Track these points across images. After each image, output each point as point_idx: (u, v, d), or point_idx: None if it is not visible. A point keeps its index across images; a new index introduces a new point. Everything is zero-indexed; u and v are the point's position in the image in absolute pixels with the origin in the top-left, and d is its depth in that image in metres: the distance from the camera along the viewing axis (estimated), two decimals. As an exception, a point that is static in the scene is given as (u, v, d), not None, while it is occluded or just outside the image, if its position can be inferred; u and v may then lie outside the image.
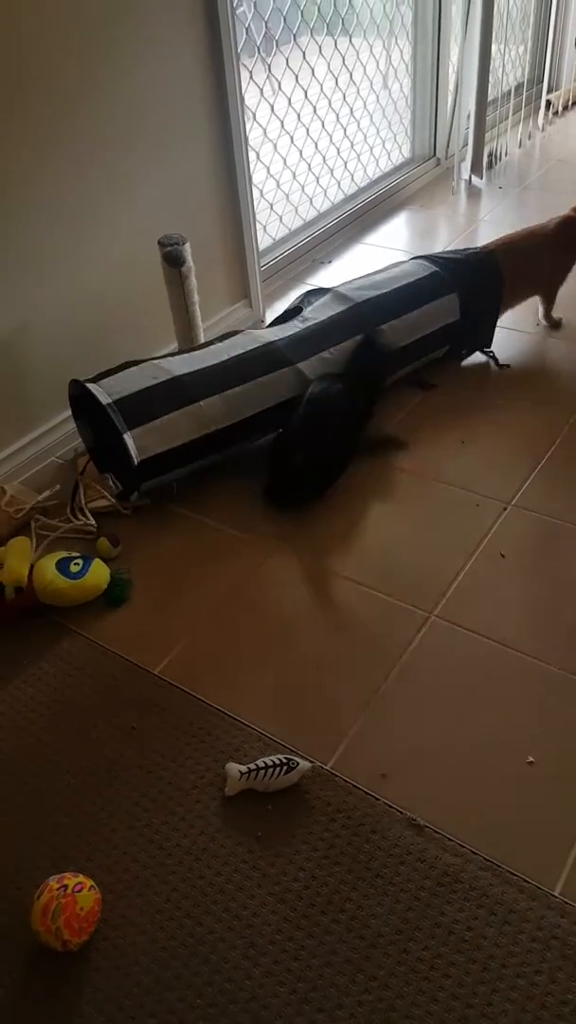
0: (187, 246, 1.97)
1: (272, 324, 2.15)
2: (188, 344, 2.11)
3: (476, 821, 1.28)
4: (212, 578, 1.73)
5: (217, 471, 1.94)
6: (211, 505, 1.90)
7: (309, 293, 2.15)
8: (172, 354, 1.92)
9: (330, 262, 2.95)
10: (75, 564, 1.63)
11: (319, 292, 2.13)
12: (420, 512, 1.85)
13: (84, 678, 1.54)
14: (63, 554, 1.66)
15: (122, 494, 1.84)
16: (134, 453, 1.72)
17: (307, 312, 2.04)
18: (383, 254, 2.97)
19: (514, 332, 2.44)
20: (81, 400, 1.87)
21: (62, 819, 1.33)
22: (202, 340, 2.15)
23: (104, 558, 1.74)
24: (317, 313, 2.04)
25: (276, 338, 1.95)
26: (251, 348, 1.90)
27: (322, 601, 1.66)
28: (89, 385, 1.76)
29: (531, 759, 1.35)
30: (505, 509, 1.83)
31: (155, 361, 1.84)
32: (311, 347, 1.96)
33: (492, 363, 2.31)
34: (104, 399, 1.73)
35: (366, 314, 2.05)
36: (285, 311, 2.17)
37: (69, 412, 2.03)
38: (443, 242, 2.99)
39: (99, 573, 1.65)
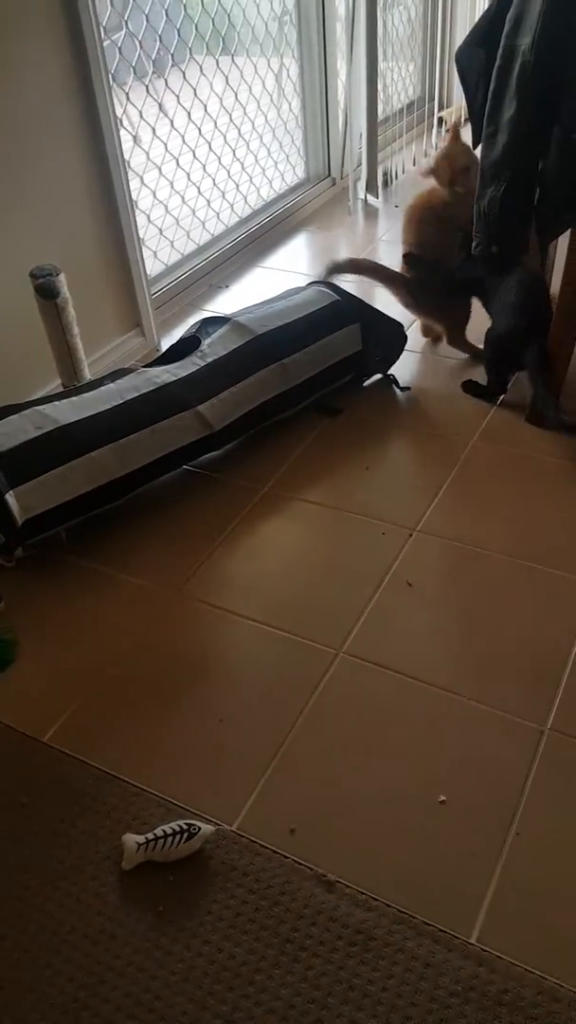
0: (61, 276, 1.88)
1: (166, 355, 2.08)
2: (71, 380, 2.02)
3: (388, 871, 1.22)
4: (105, 630, 1.63)
5: (110, 512, 1.84)
6: (105, 550, 1.80)
7: (206, 322, 2.08)
8: (56, 395, 1.82)
9: (228, 287, 2.89)
10: (-48, 627, 1.52)
11: (217, 321, 2.06)
12: (325, 543, 1.80)
13: (-32, 750, 1.42)
14: None
15: (3, 547, 1.73)
16: (17, 514, 1.61)
17: (205, 345, 1.97)
18: (282, 277, 2.93)
19: (415, 353, 2.42)
20: None
21: (-57, 913, 1.21)
22: (87, 374, 2.05)
23: (-14, 616, 1.63)
24: (216, 347, 1.96)
25: (173, 377, 1.86)
26: (145, 391, 1.81)
27: (223, 646, 1.58)
28: None
29: (443, 798, 1.30)
30: (411, 535, 1.79)
31: (38, 408, 1.73)
32: (211, 386, 1.89)
33: (394, 386, 2.28)
34: None
35: (267, 347, 1.99)
36: (181, 339, 2.09)
37: None
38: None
39: (-20, 635, 1.53)
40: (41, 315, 1.89)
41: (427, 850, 1.24)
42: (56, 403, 1.74)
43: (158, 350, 2.53)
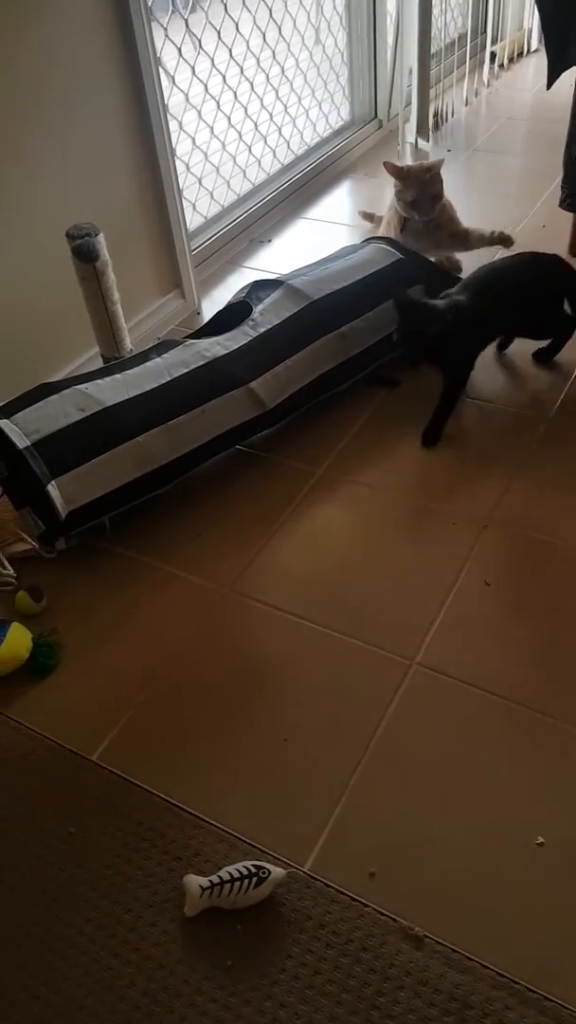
0: (100, 237, 1.69)
1: (213, 322, 1.89)
2: (111, 351, 1.84)
3: (484, 925, 1.09)
4: (155, 631, 1.49)
5: (156, 497, 1.69)
6: (151, 541, 1.66)
7: (256, 285, 1.89)
8: (98, 371, 1.65)
9: (270, 241, 2.68)
10: (-11, 632, 1.38)
11: (268, 284, 1.87)
12: (390, 534, 1.64)
13: (8, 770, 1.30)
14: (-26, 620, 1.41)
15: (45, 536, 1.58)
16: (60, 506, 1.46)
17: (257, 313, 1.78)
18: (327, 230, 2.72)
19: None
20: None
21: (-11, 960, 1.10)
22: (127, 342, 1.88)
23: (25, 615, 1.49)
24: (269, 315, 1.78)
25: (224, 351, 1.68)
26: (195, 366, 1.64)
27: (282, 653, 1.44)
28: (1, 423, 1.48)
29: (541, 839, 1.16)
30: (485, 527, 1.63)
31: (79, 386, 1.56)
32: (264, 359, 1.71)
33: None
34: (21, 442, 1.45)
35: (324, 313, 1.80)
36: (229, 305, 1.91)
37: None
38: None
39: (19, 641, 1.40)
40: (79, 279, 1.71)
41: (525, 901, 1.10)
42: (98, 381, 1.58)
43: (198, 313, 2.35)
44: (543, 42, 1.91)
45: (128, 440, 1.52)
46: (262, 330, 1.75)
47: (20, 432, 1.46)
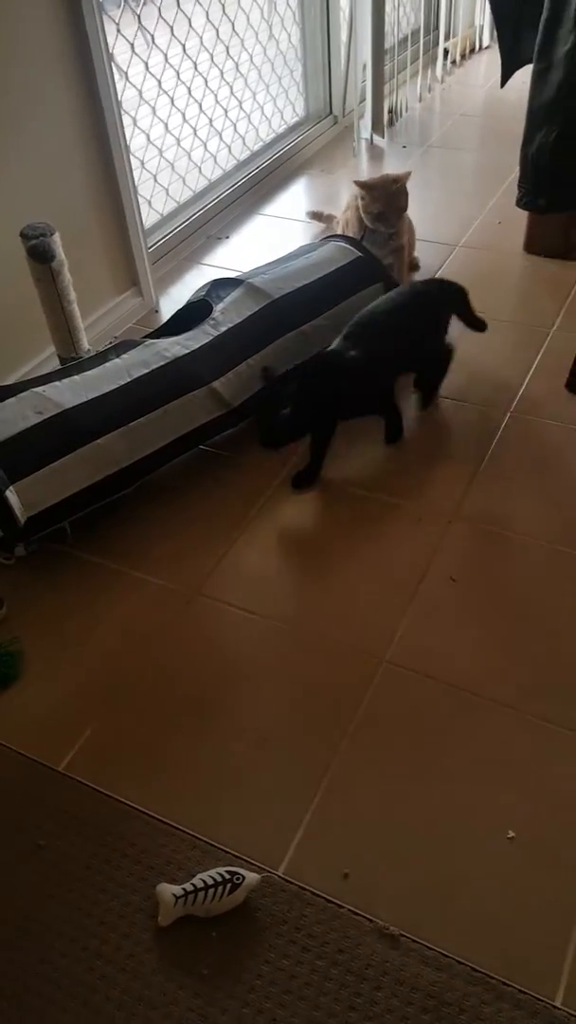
0: (56, 236, 1.66)
1: (172, 321, 1.87)
2: (68, 351, 1.81)
3: (457, 921, 1.09)
4: (119, 638, 1.47)
5: (119, 501, 1.66)
6: (114, 544, 1.63)
7: (216, 284, 1.87)
8: (56, 373, 1.61)
9: (228, 237, 2.66)
10: (-50, 643, 1.35)
11: (228, 283, 1.85)
12: (357, 532, 1.64)
13: (-26, 783, 1.27)
14: None
15: (3, 542, 1.55)
16: (19, 512, 1.43)
17: (218, 312, 1.76)
18: (284, 226, 2.71)
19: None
20: None
21: (-43, 980, 1.07)
22: (84, 342, 1.85)
23: (-13, 623, 1.46)
24: (230, 314, 1.76)
25: (185, 350, 1.66)
26: (156, 366, 1.62)
27: (252, 655, 1.43)
28: None
29: (511, 834, 1.17)
30: (449, 523, 1.63)
31: (36, 389, 1.53)
32: (226, 359, 1.69)
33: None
34: None
35: (286, 312, 1.79)
36: (188, 304, 1.88)
37: None
38: (338, 213, 2.73)
39: (-19, 651, 1.36)
40: (34, 280, 1.68)
41: (499, 896, 1.11)
42: (56, 383, 1.55)
43: (156, 311, 2.32)
44: (495, 39, 1.91)
45: (88, 443, 1.50)
46: (223, 329, 1.73)
47: None
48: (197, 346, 1.68)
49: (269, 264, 1.95)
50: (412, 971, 1.05)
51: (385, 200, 2.09)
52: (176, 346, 1.67)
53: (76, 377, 1.57)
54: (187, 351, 1.67)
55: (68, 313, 1.73)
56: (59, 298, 1.69)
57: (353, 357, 1.67)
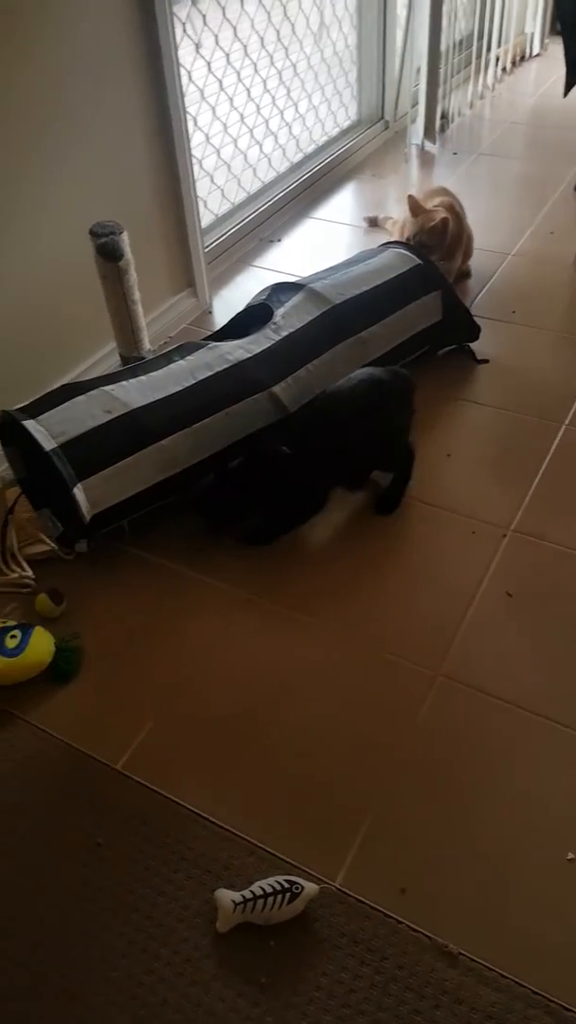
0: (124, 235, 1.66)
1: (233, 323, 1.87)
2: (129, 349, 1.81)
3: (517, 942, 1.09)
4: (178, 638, 1.47)
5: (176, 502, 1.67)
6: (170, 544, 1.64)
7: (277, 288, 1.86)
8: (122, 372, 1.61)
9: (279, 240, 2.66)
10: (12, 637, 1.36)
11: (289, 287, 1.85)
12: (409, 543, 1.63)
13: (32, 778, 1.28)
14: (-3, 623, 1.38)
15: (64, 537, 1.56)
16: (85, 509, 1.43)
17: (279, 316, 1.76)
18: (334, 230, 2.70)
19: (492, 321, 2.21)
20: (10, 426, 1.56)
21: (17, 974, 1.08)
22: (145, 342, 1.85)
23: (44, 619, 1.47)
24: (291, 318, 1.76)
25: (247, 354, 1.66)
26: (219, 369, 1.62)
27: (304, 661, 1.43)
28: (27, 424, 1.45)
29: (571, 855, 1.16)
30: (504, 536, 1.63)
31: (105, 388, 1.54)
32: (287, 364, 1.69)
33: (471, 358, 2.08)
34: (48, 443, 1.43)
35: (345, 318, 1.79)
36: (249, 306, 1.88)
37: (-6, 437, 1.72)
38: (395, 214, 2.72)
39: (41, 646, 1.37)
40: (100, 278, 1.68)
41: (559, 918, 1.11)
42: (124, 383, 1.55)
43: (209, 312, 2.32)
44: (545, 48, 1.90)
45: (153, 443, 1.50)
46: (284, 333, 1.73)
47: (46, 433, 1.43)
48: (259, 350, 1.68)
49: (329, 269, 1.95)
50: (471, 991, 1.05)
51: (418, 227, 2.16)
52: (239, 350, 1.67)
53: (143, 377, 1.58)
54: (249, 355, 1.67)
55: (132, 312, 1.73)
56: (124, 297, 1.69)
57: (286, 455, 1.55)
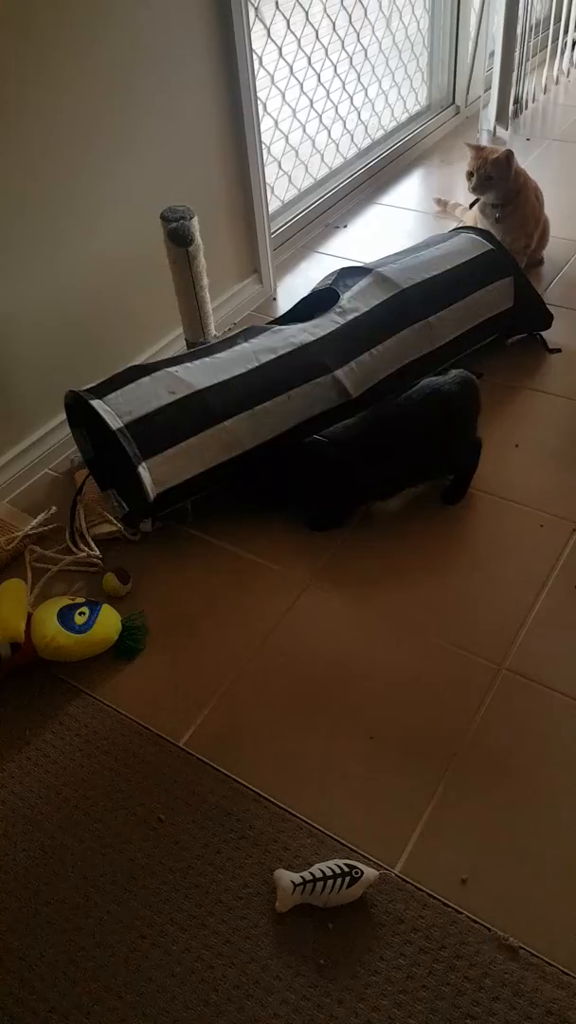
0: (195, 220, 1.67)
1: (299, 307, 1.86)
2: (196, 334, 1.83)
3: (579, 940, 1.07)
4: (240, 619, 1.48)
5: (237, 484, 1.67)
6: (232, 527, 1.65)
7: (344, 272, 1.85)
8: (186, 355, 1.63)
9: (345, 226, 2.64)
10: (80, 614, 1.38)
11: (356, 272, 1.84)
12: (476, 534, 1.61)
13: (98, 752, 1.30)
14: (66, 600, 1.41)
15: (128, 517, 1.58)
16: (150, 488, 1.45)
17: (345, 300, 1.75)
18: (401, 216, 2.67)
19: (564, 309, 2.16)
20: (78, 407, 1.59)
21: (84, 942, 1.10)
22: (212, 328, 1.86)
23: (112, 597, 1.50)
24: (357, 301, 1.75)
25: (311, 337, 1.66)
26: (283, 352, 1.62)
27: (365, 648, 1.42)
28: (95, 403, 1.47)
29: None
30: (574, 530, 1.59)
31: (170, 368, 1.55)
32: (351, 348, 1.68)
33: (542, 346, 2.04)
34: (114, 423, 1.45)
35: (413, 303, 1.77)
36: (315, 291, 1.87)
37: (63, 418, 1.76)
38: (464, 201, 2.67)
39: (109, 623, 1.40)
40: (170, 263, 1.69)
41: (624, 918, 1.09)
42: (188, 364, 1.56)
43: (274, 299, 2.32)
44: None
45: (216, 424, 1.51)
46: (349, 317, 1.72)
47: (113, 413, 1.46)
48: (324, 333, 1.68)
49: (398, 253, 1.93)
50: (531, 985, 1.03)
51: (477, 163, 2.15)
52: (303, 333, 1.67)
53: (207, 359, 1.58)
54: (313, 338, 1.66)
55: (200, 298, 1.74)
56: (192, 282, 1.70)
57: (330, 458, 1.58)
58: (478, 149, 2.16)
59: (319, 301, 1.83)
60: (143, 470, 1.45)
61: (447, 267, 1.86)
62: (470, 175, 2.16)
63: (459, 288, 1.85)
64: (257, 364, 1.61)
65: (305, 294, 1.91)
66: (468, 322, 1.86)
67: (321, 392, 1.65)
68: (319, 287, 1.88)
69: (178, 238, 1.61)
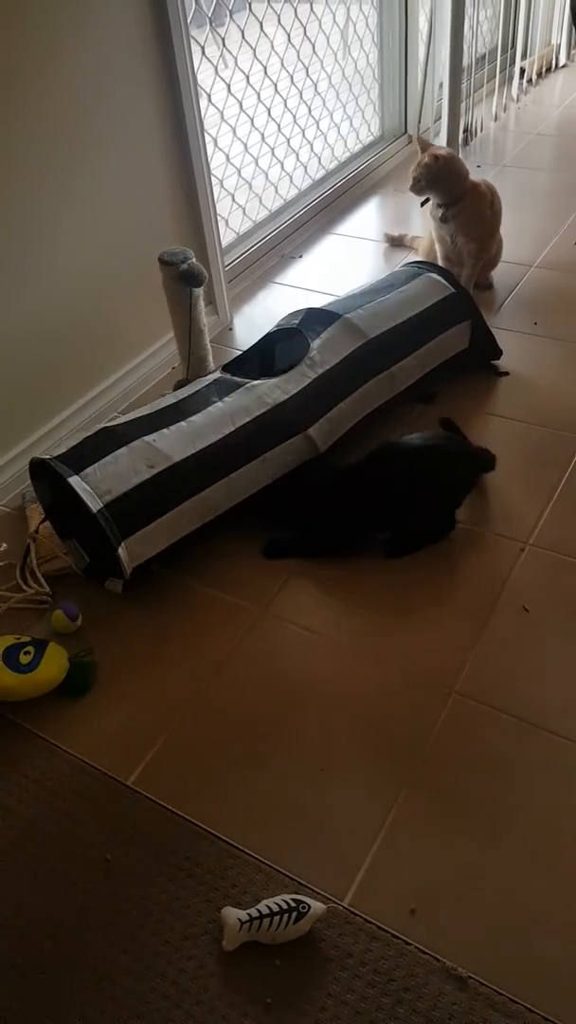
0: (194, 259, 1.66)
1: (262, 342, 1.85)
2: (195, 375, 1.82)
3: (528, 966, 1.06)
4: (191, 652, 1.48)
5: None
6: (185, 560, 1.64)
7: (312, 315, 1.85)
8: (163, 413, 1.61)
9: (301, 257, 2.68)
10: (25, 653, 1.37)
11: (324, 316, 1.84)
12: (424, 556, 1.62)
13: (44, 793, 1.29)
14: (11, 640, 1.40)
15: (91, 571, 1.58)
16: (126, 565, 1.47)
17: (315, 351, 1.75)
18: (356, 245, 2.71)
19: (512, 332, 2.20)
20: (43, 465, 1.56)
21: (27, 987, 1.08)
22: (210, 364, 1.87)
23: (60, 634, 1.49)
24: (326, 353, 1.76)
25: (285, 395, 1.67)
26: (258, 413, 1.63)
27: (322, 679, 1.42)
28: (72, 481, 1.45)
29: (586, 878, 1.13)
30: (522, 550, 1.60)
31: (147, 439, 1.53)
32: (321, 404, 1.71)
33: (492, 371, 2.07)
34: (94, 504, 1.43)
35: (378, 353, 1.81)
36: (280, 328, 1.87)
37: (15, 453, 1.76)
38: (419, 230, 2.72)
39: (55, 663, 1.38)
40: (171, 306, 1.69)
41: (572, 943, 1.08)
42: (165, 432, 1.56)
43: (230, 329, 2.34)
44: (573, 59, 1.88)
45: (193, 496, 1.53)
46: (321, 371, 1.73)
47: (93, 493, 1.44)
48: (296, 390, 1.69)
49: (363, 294, 1.93)
50: (481, 1015, 1.02)
51: (420, 166, 2.20)
52: (276, 390, 1.67)
53: (183, 424, 1.58)
54: (287, 396, 1.67)
55: (200, 344, 1.73)
56: (191, 324, 1.67)
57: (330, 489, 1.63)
58: (422, 150, 2.22)
59: (285, 337, 1.84)
60: (122, 551, 1.45)
61: (410, 314, 1.88)
62: (413, 175, 2.22)
63: (422, 334, 1.89)
64: (233, 428, 1.60)
65: (261, 323, 1.92)
66: (427, 366, 1.91)
67: (294, 450, 1.66)
68: (284, 323, 1.88)
69: (191, 278, 1.59)
